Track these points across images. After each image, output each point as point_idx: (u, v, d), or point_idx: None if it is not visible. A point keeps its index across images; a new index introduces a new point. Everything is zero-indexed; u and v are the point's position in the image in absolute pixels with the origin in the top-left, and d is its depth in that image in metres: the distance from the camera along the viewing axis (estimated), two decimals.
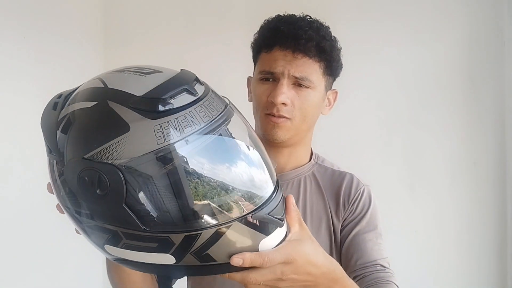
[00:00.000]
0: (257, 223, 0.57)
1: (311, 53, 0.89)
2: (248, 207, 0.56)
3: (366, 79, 1.92)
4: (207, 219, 0.54)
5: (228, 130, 0.58)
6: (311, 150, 1.02)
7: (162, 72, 0.59)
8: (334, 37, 0.94)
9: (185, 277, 0.97)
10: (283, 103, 0.87)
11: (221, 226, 0.54)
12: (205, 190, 0.54)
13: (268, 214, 0.58)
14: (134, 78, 0.57)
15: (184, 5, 2.09)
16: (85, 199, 0.54)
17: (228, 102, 0.61)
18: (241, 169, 0.58)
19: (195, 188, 0.53)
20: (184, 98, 0.55)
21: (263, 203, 0.58)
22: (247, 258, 0.56)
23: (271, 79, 0.91)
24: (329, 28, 0.94)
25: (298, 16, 0.93)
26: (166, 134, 0.52)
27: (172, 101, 0.54)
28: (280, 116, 0.88)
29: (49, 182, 0.62)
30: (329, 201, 0.95)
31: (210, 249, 0.55)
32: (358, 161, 1.68)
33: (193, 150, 0.53)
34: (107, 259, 0.83)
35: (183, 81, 0.56)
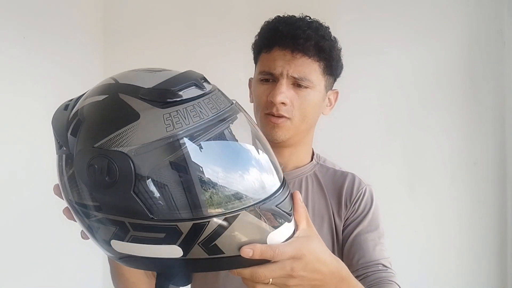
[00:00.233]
0: (265, 215, 0.57)
1: (310, 53, 0.89)
2: (256, 197, 0.57)
3: (366, 79, 1.92)
4: (215, 207, 0.54)
5: (236, 124, 0.59)
6: (312, 151, 1.02)
7: (170, 70, 0.61)
8: (334, 37, 0.94)
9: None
10: (282, 103, 0.88)
11: (229, 215, 0.54)
12: (214, 178, 0.54)
13: (276, 206, 0.58)
14: (144, 74, 0.60)
15: (184, 5, 2.09)
16: (94, 188, 0.55)
17: (235, 102, 0.63)
18: (249, 160, 0.59)
19: (203, 176, 0.54)
20: (192, 91, 0.57)
21: (271, 195, 0.58)
22: (257, 248, 0.55)
23: (270, 80, 0.91)
24: (328, 28, 0.94)
25: (298, 17, 0.93)
26: (175, 122, 0.53)
27: (181, 93, 0.55)
28: (279, 116, 0.89)
29: (56, 184, 0.62)
30: (331, 200, 0.95)
31: (218, 239, 0.54)
32: (358, 161, 1.68)
33: (201, 139, 0.54)
34: (111, 269, 0.83)
35: (192, 77, 0.58)
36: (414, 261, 1.89)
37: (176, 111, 0.54)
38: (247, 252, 0.55)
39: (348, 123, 1.91)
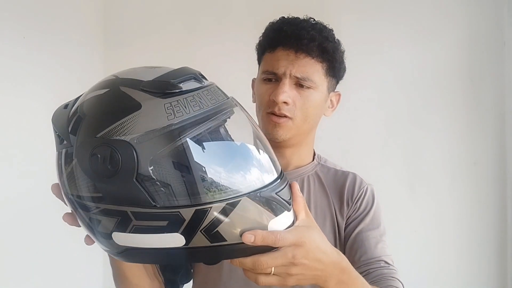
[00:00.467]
0: (266, 202, 0.58)
1: (314, 53, 0.90)
2: (256, 184, 0.58)
3: (366, 79, 1.92)
4: (217, 193, 0.55)
5: (235, 117, 0.61)
6: (314, 151, 1.03)
7: (169, 67, 0.63)
8: (338, 40, 0.95)
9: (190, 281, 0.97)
10: (285, 102, 0.88)
11: (230, 201, 0.55)
12: (215, 166, 0.56)
13: (276, 194, 0.59)
14: (144, 69, 0.62)
15: (184, 6, 2.09)
16: (97, 178, 0.55)
17: (231, 97, 0.64)
18: (249, 149, 0.61)
19: (205, 163, 0.55)
20: (191, 84, 0.59)
21: (271, 182, 0.59)
22: (259, 234, 0.56)
23: (273, 79, 0.92)
24: (332, 30, 0.95)
25: (302, 18, 0.94)
26: (176, 111, 0.55)
27: (180, 84, 0.57)
28: (281, 115, 0.89)
29: (54, 184, 0.63)
30: (333, 199, 0.96)
31: (220, 226, 0.55)
32: (358, 161, 1.68)
33: (202, 127, 0.56)
34: (113, 272, 0.83)
35: (190, 71, 0.61)
36: (414, 261, 1.89)
37: (177, 100, 0.55)
38: (248, 238, 0.55)
39: (348, 123, 1.91)
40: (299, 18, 0.94)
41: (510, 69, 1.87)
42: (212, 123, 0.57)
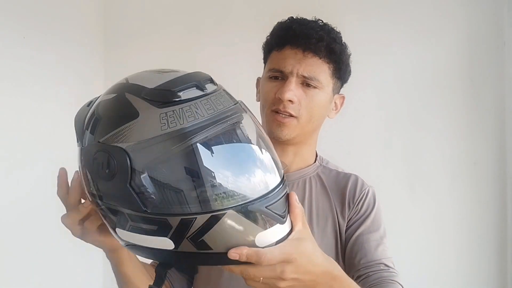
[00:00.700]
0: (254, 215, 0.58)
1: (321, 53, 0.90)
2: (245, 197, 0.57)
3: (366, 79, 1.92)
4: (203, 204, 0.56)
5: (233, 125, 0.60)
6: (316, 153, 1.03)
7: (179, 71, 0.63)
8: (345, 43, 0.96)
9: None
10: (290, 100, 0.88)
11: (216, 213, 0.56)
12: (202, 177, 0.56)
13: (266, 208, 0.59)
14: (152, 74, 0.63)
15: (184, 5, 2.09)
16: (98, 179, 0.59)
17: (240, 102, 0.64)
18: (242, 161, 0.60)
19: (192, 175, 0.56)
20: (192, 92, 0.59)
21: (262, 196, 0.59)
22: (243, 253, 0.56)
23: (280, 77, 0.92)
24: (340, 33, 0.95)
25: (310, 19, 0.95)
26: (170, 121, 0.56)
27: (180, 93, 0.58)
28: (286, 113, 0.89)
29: (76, 173, 0.67)
30: (334, 201, 0.96)
31: (205, 235, 0.56)
32: (358, 161, 1.68)
33: (194, 139, 0.56)
34: (115, 274, 0.83)
35: (195, 78, 0.60)
36: (414, 261, 1.89)
37: (173, 111, 0.56)
38: (233, 256, 0.56)
39: (348, 123, 1.91)
40: (307, 19, 0.95)
41: (510, 69, 1.87)
42: (205, 134, 0.56)
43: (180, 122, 0.56)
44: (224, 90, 0.64)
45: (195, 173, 0.56)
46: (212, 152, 0.57)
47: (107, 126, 0.59)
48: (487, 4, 1.90)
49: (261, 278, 0.59)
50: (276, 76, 0.92)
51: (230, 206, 0.56)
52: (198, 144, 0.56)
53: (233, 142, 0.60)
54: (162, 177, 0.56)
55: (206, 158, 0.56)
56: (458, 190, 1.93)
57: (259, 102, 0.98)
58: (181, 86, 0.58)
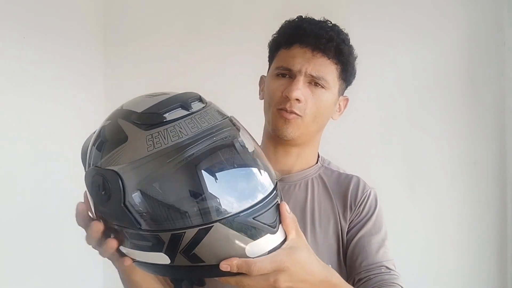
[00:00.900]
0: (242, 227, 0.59)
1: (330, 54, 0.90)
2: (232, 210, 0.59)
3: (366, 79, 1.91)
4: (190, 218, 0.58)
5: (222, 140, 0.62)
6: (318, 153, 1.03)
7: (169, 94, 0.66)
8: (352, 45, 0.95)
9: None
10: (297, 99, 0.88)
11: (203, 227, 0.58)
12: (188, 193, 0.58)
13: (253, 219, 0.60)
14: (143, 99, 0.66)
15: (184, 5, 2.08)
16: (97, 201, 0.63)
17: (230, 117, 0.66)
18: (227, 175, 0.62)
19: (178, 192, 0.59)
20: (178, 113, 0.61)
21: (248, 207, 0.60)
22: (234, 264, 0.58)
23: (287, 76, 0.92)
24: (347, 35, 0.95)
25: (319, 19, 0.95)
26: (156, 142, 0.58)
27: (166, 115, 0.60)
28: (292, 112, 0.89)
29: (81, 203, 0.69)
30: (336, 202, 0.96)
31: (196, 249, 0.58)
32: (358, 161, 1.68)
33: (179, 157, 0.58)
34: (121, 278, 0.83)
35: (181, 99, 0.63)
36: (414, 261, 1.89)
37: (158, 132, 0.59)
38: (225, 268, 0.58)
39: (348, 123, 1.90)
40: (316, 19, 0.95)
41: (510, 69, 1.87)
42: (189, 152, 0.58)
43: (165, 142, 0.58)
44: (213, 106, 0.66)
45: (181, 191, 0.59)
46: (197, 169, 0.59)
47: (103, 151, 0.62)
48: (487, 4, 1.90)
49: None
50: (284, 74, 0.92)
51: (216, 219, 0.58)
52: (183, 161, 0.58)
53: (220, 157, 0.62)
54: (151, 195, 0.58)
55: (191, 174, 0.58)
56: (458, 190, 1.93)
57: (260, 101, 0.98)
58: (167, 108, 0.61)
